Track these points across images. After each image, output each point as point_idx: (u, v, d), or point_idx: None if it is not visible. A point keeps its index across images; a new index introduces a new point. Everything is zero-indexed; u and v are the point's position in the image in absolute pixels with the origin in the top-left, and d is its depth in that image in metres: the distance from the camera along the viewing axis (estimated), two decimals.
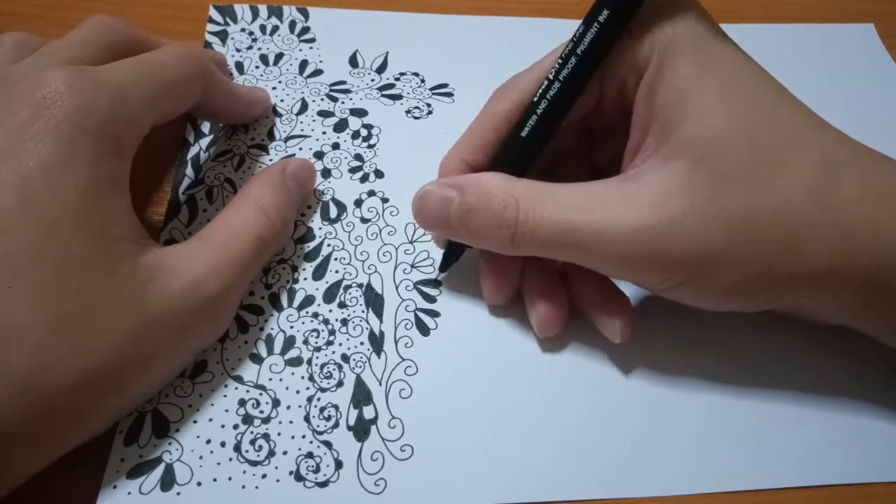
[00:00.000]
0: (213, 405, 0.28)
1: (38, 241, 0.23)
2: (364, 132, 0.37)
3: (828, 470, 0.28)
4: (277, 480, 0.26)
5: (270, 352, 0.29)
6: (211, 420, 0.27)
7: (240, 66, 0.39)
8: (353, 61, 0.40)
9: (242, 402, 0.28)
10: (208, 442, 0.27)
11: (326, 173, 0.35)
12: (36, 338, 0.22)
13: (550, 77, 0.28)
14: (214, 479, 0.26)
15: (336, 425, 0.28)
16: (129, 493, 0.25)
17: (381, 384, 0.29)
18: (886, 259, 0.25)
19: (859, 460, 0.28)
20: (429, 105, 0.38)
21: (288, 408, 0.28)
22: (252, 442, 0.27)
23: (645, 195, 0.25)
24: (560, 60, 0.28)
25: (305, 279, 0.31)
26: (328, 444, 0.27)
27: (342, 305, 0.31)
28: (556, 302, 0.30)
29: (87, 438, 0.25)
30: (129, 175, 0.27)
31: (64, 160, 0.24)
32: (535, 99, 0.28)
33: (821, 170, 0.25)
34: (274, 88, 0.38)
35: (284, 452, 0.27)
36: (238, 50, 0.40)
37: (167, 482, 0.26)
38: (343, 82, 0.39)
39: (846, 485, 0.28)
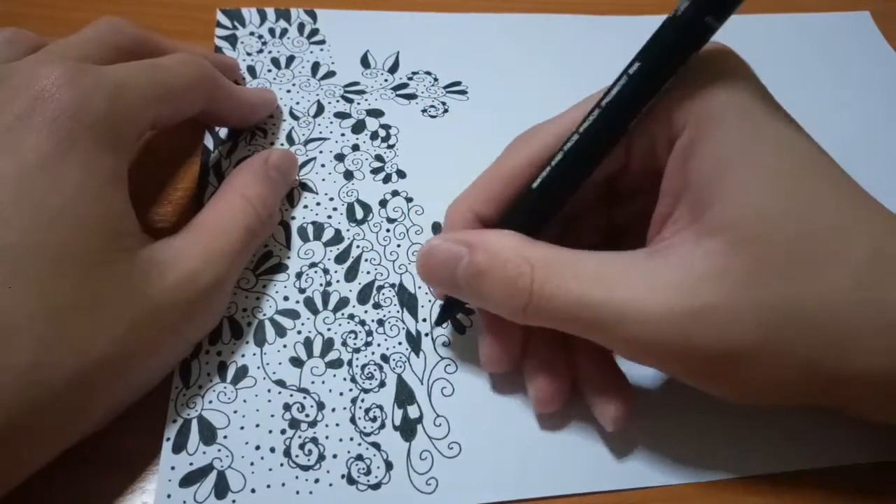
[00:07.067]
0: (258, 410, 0.27)
1: (37, 235, 0.23)
2: (382, 132, 0.37)
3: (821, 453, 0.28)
4: (330, 485, 0.26)
5: (310, 355, 0.29)
6: (258, 426, 0.27)
7: (252, 70, 0.39)
8: (365, 62, 0.40)
9: (287, 407, 0.28)
10: (257, 448, 0.27)
11: (349, 175, 0.35)
12: (37, 332, 0.22)
13: (576, 132, 0.26)
14: (268, 486, 0.26)
15: (382, 426, 0.28)
16: (185, 501, 0.25)
17: (422, 383, 0.29)
18: None
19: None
20: (444, 104, 0.39)
21: (333, 410, 0.28)
22: (301, 446, 0.27)
23: (673, 276, 0.23)
24: (586, 116, 0.25)
25: (338, 281, 0.31)
26: (377, 446, 0.27)
27: (377, 306, 0.31)
28: (557, 376, 0.28)
29: (89, 432, 0.25)
30: (129, 173, 0.27)
31: (62, 153, 0.24)
32: (560, 158, 0.26)
33: (871, 262, 0.22)
34: (288, 91, 0.38)
35: (334, 456, 0.27)
36: (249, 54, 0.39)
37: (221, 490, 0.26)
38: (357, 83, 0.39)
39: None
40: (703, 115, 0.24)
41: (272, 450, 0.27)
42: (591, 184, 0.26)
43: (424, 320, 0.31)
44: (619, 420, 0.27)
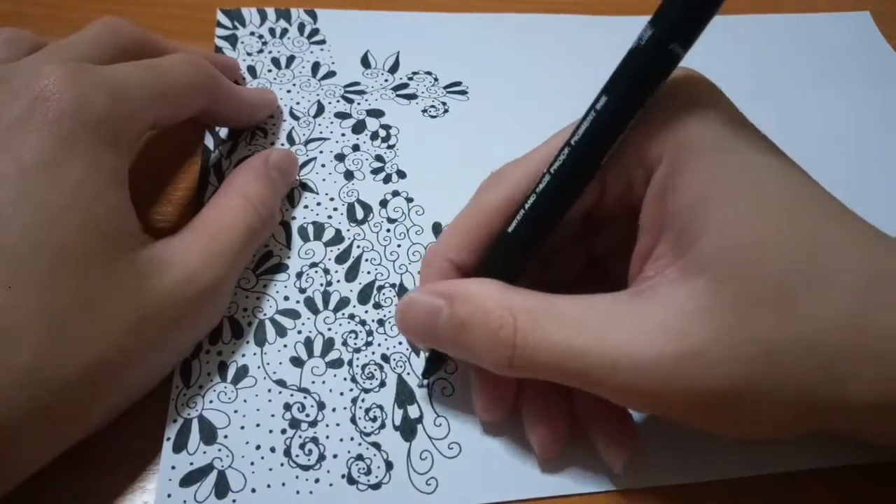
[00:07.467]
0: (258, 410, 0.27)
1: (38, 235, 0.23)
2: (382, 133, 0.37)
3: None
4: (330, 484, 0.26)
5: (311, 354, 0.29)
6: (258, 425, 0.27)
7: (252, 70, 0.39)
8: (365, 62, 0.40)
9: (288, 407, 0.28)
10: (258, 448, 0.27)
11: (349, 175, 0.35)
12: (38, 333, 0.22)
13: (547, 173, 0.25)
14: (268, 486, 0.26)
15: (382, 426, 0.28)
16: (185, 501, 0.25)
17: (423, 383, 0.29)
18: None
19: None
20: (444, 104, 0.39)
21: (333, 410, 0.28)
22: (301, 446, 0.27)
23: (661, 318, 0.22)
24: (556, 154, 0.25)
25: (339, 281, 0.31)
26: (377, 446, 0.27)
27: (377, 306, 0.31)
28: (557, 421, 0.27)
29: (90, 432, 0.25)
30: (129, 173, 0.27)
31: (63, 153, 0.24)
32: (533, 200, 0.25)
33: (861, 289, 0.22)
34: (289, 91, 0.38)
35: (335, 456, 0.27)
36: (249, 54, 0.39)
37: (221, 490, 0.25)
38: (357, 83, 0.39)
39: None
40: (679, 147, 0.23)
41: (272, 449, 0.27)
42: (567, 219, 0.26)
43: None
44: (626, 463, 0.26)
